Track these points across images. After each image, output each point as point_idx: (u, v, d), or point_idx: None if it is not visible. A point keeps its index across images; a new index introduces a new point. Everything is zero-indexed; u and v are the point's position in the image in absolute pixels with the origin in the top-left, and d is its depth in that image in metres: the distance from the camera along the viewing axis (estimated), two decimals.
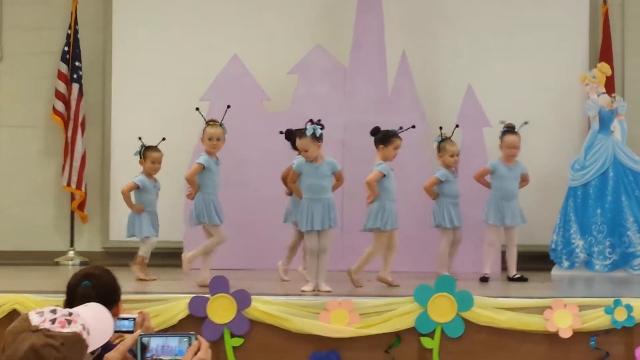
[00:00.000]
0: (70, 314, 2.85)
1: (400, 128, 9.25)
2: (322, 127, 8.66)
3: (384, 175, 9.02)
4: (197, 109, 9.27)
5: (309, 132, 8.55)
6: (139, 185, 9.45)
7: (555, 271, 10.37)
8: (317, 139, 8.58)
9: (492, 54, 11.20)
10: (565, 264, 10.34)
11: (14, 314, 7.54)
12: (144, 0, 11.43)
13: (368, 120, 10.35)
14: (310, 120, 8.66)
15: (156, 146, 9.57)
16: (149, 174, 9.54)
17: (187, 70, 11.17)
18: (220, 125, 9.11)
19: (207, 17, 11.29)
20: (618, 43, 11.38)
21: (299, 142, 8.64)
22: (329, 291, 8.33)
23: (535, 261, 10.48)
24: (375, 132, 9.22)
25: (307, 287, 8.46)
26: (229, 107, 9.26)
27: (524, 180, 10.00)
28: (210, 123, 9.14)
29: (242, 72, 10.76)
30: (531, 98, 11.11)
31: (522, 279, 9.67)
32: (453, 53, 11.23)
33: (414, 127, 9.43)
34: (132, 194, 9.48)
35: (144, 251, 9.42)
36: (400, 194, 9.77)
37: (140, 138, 9.51)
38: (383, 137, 9.12)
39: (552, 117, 11.13)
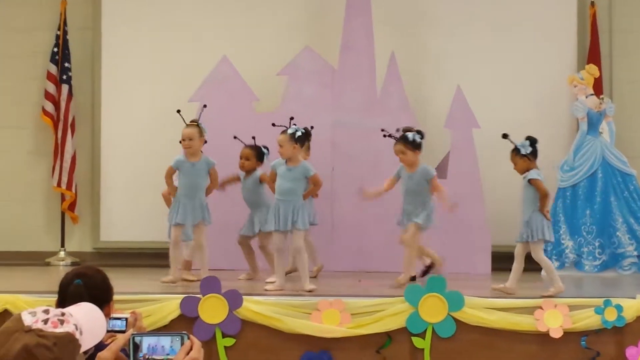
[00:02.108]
0: (63, 314, 2.84)
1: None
2: (306, 132, 8.70)
3: None
4: (179, 111, 9.23)
5: (290, 130, 8.61)
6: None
7: (545, 272, 10.37)
8: (294, 140, 8.62)
9: (481, 56, 11.22)
10: (555, 264, 10.33)
11: (5, 314, 7.53)
12: (133, 1, 11.42)
13: (357, 121, 10.38)
14: (292, 119, 8.79)
15: None
16: None
17: (177, 70, 11.17)
18: (198, 124, 9.08)
19: (196, 18, 11.29)
20: (606, 45, 11.41)
21: (279, 137, 8.69)
22: (312, 290, 8.35)
23: (526, 261, 10.46)
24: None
25: (271, 286, 8.50)
26: (205, 106, 9.29)
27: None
28: (188, 124, 9.12)
29: (231, 73, 10.76)
30: (520, 99, 11.15)
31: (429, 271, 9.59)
32: (442, 54, 11.25)
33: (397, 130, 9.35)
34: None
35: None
36: (387, 193, 9.77)
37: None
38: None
39: (540, 118, 11.15)
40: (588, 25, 11.38)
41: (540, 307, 7.71)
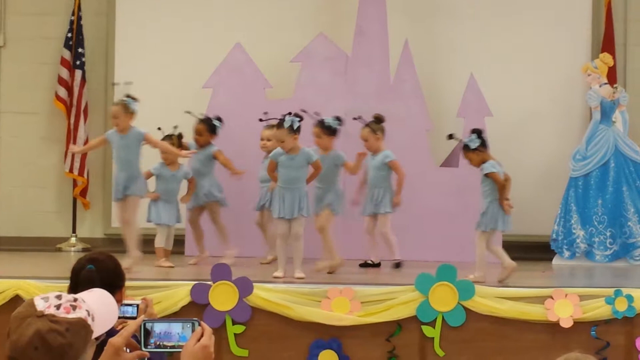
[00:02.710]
0: (75, 300, 2.86)
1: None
2: (301, 119, 8.73)
3: None
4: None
5: (286, 124, 8.62)
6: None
7: (556, 261, 10.38)
8: (294, 131, 8.64)
9: (494, 43, 11.19)
10: (566, 254, 10.35)
11: (16, 299, 7.56)
12: None
13: (370, 108, 10.36)
14: (290, 113, 8.78)
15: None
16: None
17: (190, 57, 11.16)
18: (122, 103, 9.10)
19: (210, 5, 11.27)
20: (620, 34, 11.36)
21: (276, 132, 8.74)
22: (302, 278, 8.37)
23: (536, 251, 10.49)
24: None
25: (278, 273, 8.52)
26: (130, 83, 9.38)
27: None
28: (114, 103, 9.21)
29: (244, 60, 10.74)
30: (533, 88, 11.11)
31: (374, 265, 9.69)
32: (456, 42, 11.22)
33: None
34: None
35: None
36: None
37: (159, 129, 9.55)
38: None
39: (553, 107, 11.12)
40: (603, 14, 11.32)
41: (551, 297, 7.71)
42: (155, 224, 9.48)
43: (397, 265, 9.55)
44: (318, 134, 9.11)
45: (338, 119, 9.22)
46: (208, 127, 9.77)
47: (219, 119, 9.86)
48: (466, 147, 8.60)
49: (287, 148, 8.68)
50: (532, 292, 7.83)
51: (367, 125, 9.72)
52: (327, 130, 9.08)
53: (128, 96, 9.09)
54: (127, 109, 9.02)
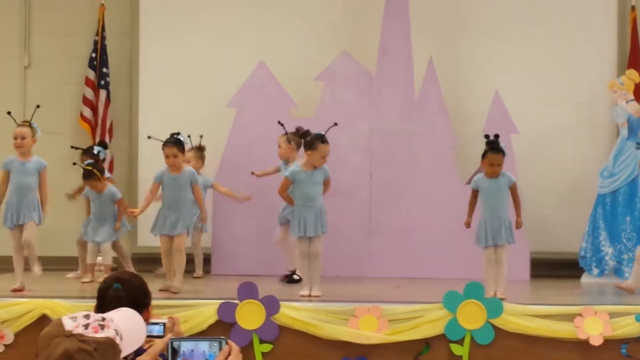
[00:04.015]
0: (104, 319, 2.83)
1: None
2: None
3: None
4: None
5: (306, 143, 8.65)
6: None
7: (584, 278, 10.31)
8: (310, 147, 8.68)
9: (519, 60, 11.15)
10: (595, 271, 10.28)
11: (43, 319, 7.57)
12: (171, 6, 11.44)
13: (394, 126, 10.35)
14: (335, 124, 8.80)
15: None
16: None
17: (214, 76, 11.17)
18: (30, 125, 9.08)
19: (233, 23, 11.29)
20: None
21: (324, 147, 8.62)
22: (318, 296, 8.34)
23: (565, 268, 10.43)
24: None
25: (304, 292, 8.49)
26: (38, 106, 9.25)
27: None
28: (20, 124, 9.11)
29: (268, 79, 10.75)
30: (559, 104, 11.06)
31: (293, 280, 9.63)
32: (480, 59, 11.19)
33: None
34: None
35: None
36: (425, 199, 9.75)
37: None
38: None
39: (580, 123, 11.07)
40: (629, 30, 11.28)
41: (580, 315, 7.64)
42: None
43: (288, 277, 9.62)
44: (174, 153, 8.80)
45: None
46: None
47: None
48: (502, 152, 8.55)
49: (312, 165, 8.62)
50: (561, 310, 7.76)
51: (286, 133, 9.77)
52: (182, 148, 8.89)
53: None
54: (33, 132, 9.02)
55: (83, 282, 9.54)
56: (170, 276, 8.70)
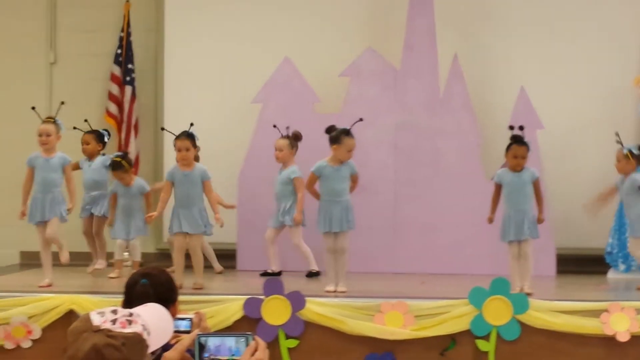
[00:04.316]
0: (131, 314, 2.84)
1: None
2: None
3: None
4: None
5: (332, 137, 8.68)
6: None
7: (611, 274, 10.26)
8: (335, 142, 8.71)
9: (544, 56, 11.10)
10: (622, 267, 10.23)
11: (70, 314, 7.62)
12: (196, 2, 11.45)
13: (419, 122, 10.33)
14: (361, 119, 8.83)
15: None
16: None
17: (239, 72, 11.17)
18: (54, 121, 9.12)
19: (258, 19, 11.29)
20: None
21: (350, 140, 8.61)
22: (344, 292, 8.33)
23: (591, 264, 10.38)
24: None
25: (329, 287, 8.48)
26: (62, 103, 9.41)
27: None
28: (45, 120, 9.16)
29: (293, 74, 10.75)
30: (584, 100, 11.01)
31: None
32: (505, 55, 11.14)
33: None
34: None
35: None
36: (450, 195, 9.73)
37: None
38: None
39: (605, 119, 11.00)
40: None
41: (607, 310, 7.61)
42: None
43: (313, 274, 9.67)
44: (187, 147, 8.81)
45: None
46: (96, 137, 10.09)
47: (107, 131, 10.25)
48: (526, 145, 8.53)
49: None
50: (588, 306, 7.73)
51: (287, 136, 9.86)
52: (194, 142, 8.90)
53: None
54: (58, 129, 9.13)
55: (110, 278, 9.55)
56: (180, 274, 8.66)
